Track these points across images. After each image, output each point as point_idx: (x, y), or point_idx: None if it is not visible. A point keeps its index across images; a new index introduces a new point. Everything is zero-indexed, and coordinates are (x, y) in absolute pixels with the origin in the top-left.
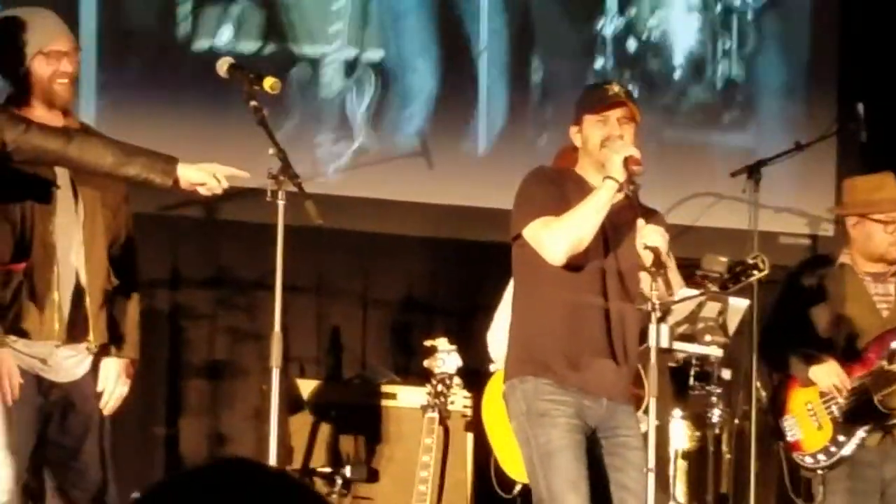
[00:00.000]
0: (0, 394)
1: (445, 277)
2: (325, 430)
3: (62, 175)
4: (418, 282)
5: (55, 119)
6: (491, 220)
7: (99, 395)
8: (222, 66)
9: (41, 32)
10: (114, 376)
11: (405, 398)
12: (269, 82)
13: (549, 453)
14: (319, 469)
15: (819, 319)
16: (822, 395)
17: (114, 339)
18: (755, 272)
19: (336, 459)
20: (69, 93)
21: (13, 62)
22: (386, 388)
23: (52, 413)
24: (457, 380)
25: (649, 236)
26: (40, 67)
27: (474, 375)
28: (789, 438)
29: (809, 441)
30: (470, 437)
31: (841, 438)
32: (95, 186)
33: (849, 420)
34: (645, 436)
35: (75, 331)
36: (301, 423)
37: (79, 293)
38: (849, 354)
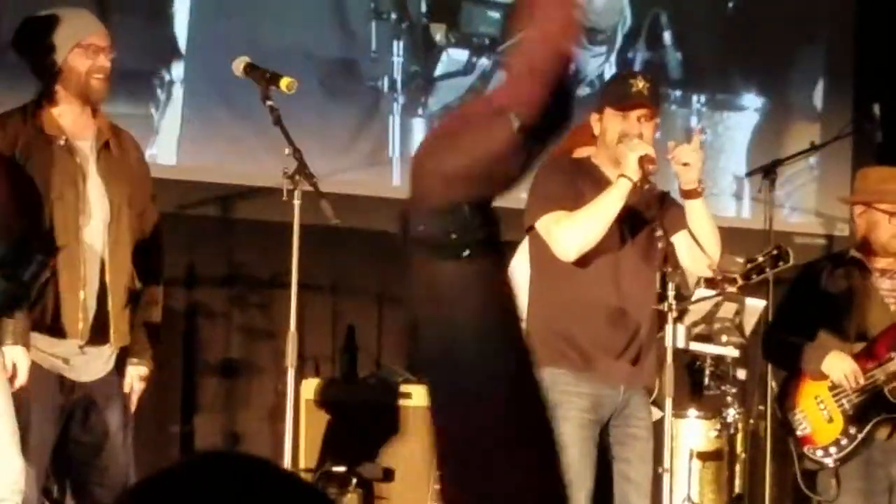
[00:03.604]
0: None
1: None
2: (340, 429)
3: (92, 174)
4: None
5: (85, 116)
6: (507, 220)
7: (122, 394)
8: (238, 65)
9: (78, 26)
10: (137, 386)
11: (420, 397)
12: (285, 82)
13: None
14: (334, 468)
15: (828, 314)
16: (831, 388)
17: (137, 344)
18: (780, 263)
19: (351, 458)
20: (105, 89)
21: (50, 57)
22: (401, 388)
23: (75, 412)
24: None
25: (684, 153)
26: (77, 61)
27: None
28: (799, 433)
29: (820, 434)
30: None
31: (852, 431)
32: (124, 185)
33: (860, 413)
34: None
35: (98, 331)
36: (316, 422)
37: (102, 293)
38: (858, 349)
